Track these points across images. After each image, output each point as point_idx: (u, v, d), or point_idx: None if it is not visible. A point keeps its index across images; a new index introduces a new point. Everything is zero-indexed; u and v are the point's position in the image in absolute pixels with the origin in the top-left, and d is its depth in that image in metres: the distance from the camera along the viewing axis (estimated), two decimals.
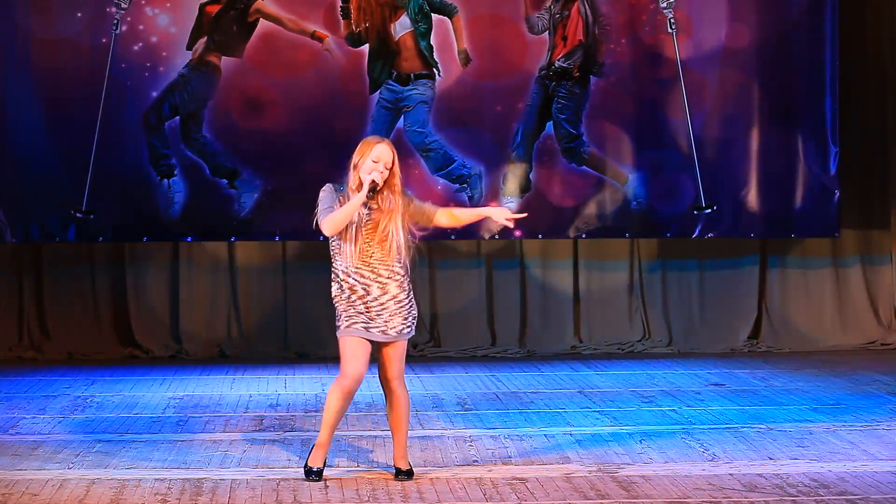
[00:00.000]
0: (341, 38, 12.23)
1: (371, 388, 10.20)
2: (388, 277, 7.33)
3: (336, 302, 7.38)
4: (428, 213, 7.51)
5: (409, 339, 7.46)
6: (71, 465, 7.84)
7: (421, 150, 12.30)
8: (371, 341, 7.34)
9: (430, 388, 10.70)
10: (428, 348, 12.80)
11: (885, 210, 13.19)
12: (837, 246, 13.14)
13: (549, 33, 12.39)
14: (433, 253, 12.85)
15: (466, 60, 12.31)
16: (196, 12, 12.13)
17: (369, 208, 7.34)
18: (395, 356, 7.39)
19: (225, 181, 12.22)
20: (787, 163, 12.55)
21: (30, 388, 10.83)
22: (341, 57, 12.24)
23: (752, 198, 12.56)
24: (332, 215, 7.29)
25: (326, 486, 7.31)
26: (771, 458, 7.93)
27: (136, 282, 12.72)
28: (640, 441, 8.47)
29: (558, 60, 12.39)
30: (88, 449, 8.32)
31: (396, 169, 7.36)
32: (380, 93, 12.27)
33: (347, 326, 7.32)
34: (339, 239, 7.36)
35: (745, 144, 12.52)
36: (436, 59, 12.28)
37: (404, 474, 7.45)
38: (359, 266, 7.31)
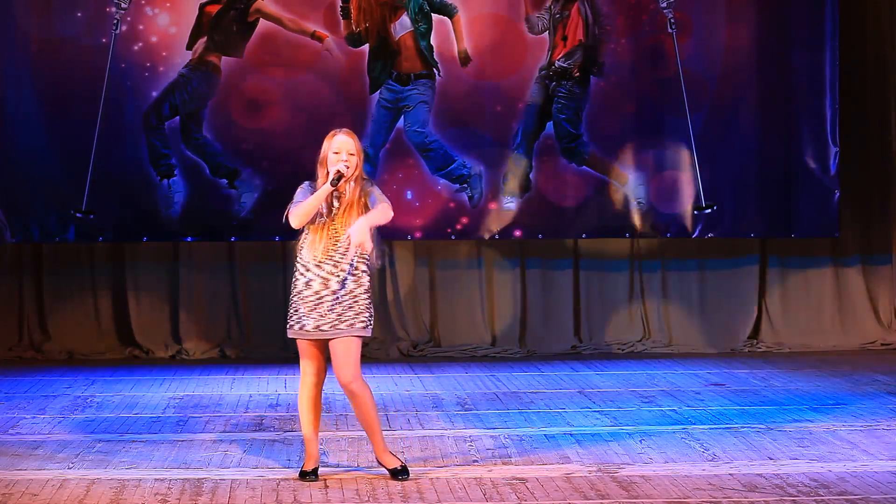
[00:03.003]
0: (341, 38, 12.23)
1: (371, 387, 10.20)
2: (348, 272, 7.30)
3: (290, 297, 7.40)
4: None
5: (362, 338, 7.35)
6: (71, 465, 7.83)
7: (421, 150, 12.30)
8: (321, 340, 7.34)
9: (430, 388, 10.69)
10: (428, 348, 12.79)
11: (885, 210, 13.18)
12: (837, 246, 13.13)
13: (549, 33, 12.38)
14: (433, 253, 12.85)
15: (466, 60, 12.31)
16: (196, 12, 12.13)
17: (339, 201, 7.33)
18: (342, 353, 7.29)
19: (225, 181, 12.22)
20: (787, 163, 12.55)
21: (30, 388, 10.82)
22: (341, 57, 12.24)
23: (752, 198, 12.56)
24: (298, 206, 7.30)
25: (326, 486, 7.31)
26: (771, 458, 7.93)
27: (136, 282, 12.71)
28: (640, 441, 8.46)
29: (558, 60, 12.39)
30: (88, 449, 8.31)
31: (359, 156, 7.30)
32: (380, 93, 12.27)
33: (292, 327, 7.41)
34: (308, 231, 7.35)
35: (745, 144, 12.52)
36: (436, 59, 12.28)
37: (400, 472, 7.42)
38: (322, 259, 7.31)
